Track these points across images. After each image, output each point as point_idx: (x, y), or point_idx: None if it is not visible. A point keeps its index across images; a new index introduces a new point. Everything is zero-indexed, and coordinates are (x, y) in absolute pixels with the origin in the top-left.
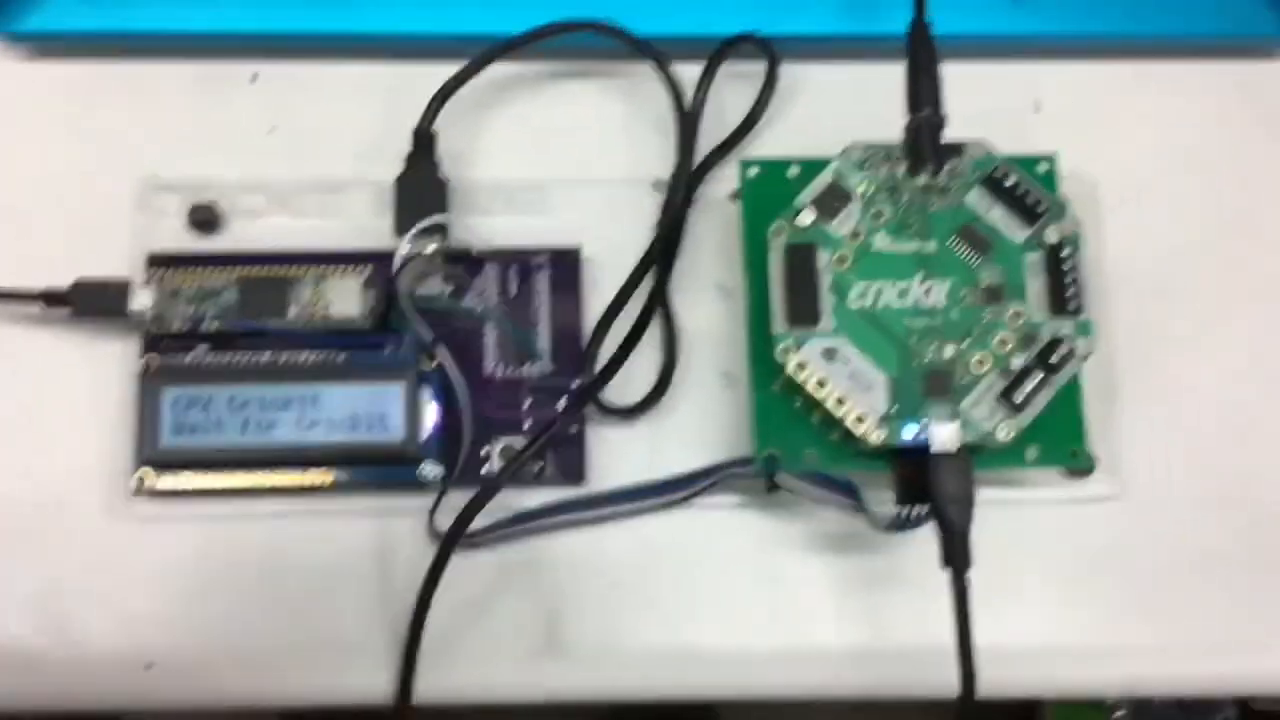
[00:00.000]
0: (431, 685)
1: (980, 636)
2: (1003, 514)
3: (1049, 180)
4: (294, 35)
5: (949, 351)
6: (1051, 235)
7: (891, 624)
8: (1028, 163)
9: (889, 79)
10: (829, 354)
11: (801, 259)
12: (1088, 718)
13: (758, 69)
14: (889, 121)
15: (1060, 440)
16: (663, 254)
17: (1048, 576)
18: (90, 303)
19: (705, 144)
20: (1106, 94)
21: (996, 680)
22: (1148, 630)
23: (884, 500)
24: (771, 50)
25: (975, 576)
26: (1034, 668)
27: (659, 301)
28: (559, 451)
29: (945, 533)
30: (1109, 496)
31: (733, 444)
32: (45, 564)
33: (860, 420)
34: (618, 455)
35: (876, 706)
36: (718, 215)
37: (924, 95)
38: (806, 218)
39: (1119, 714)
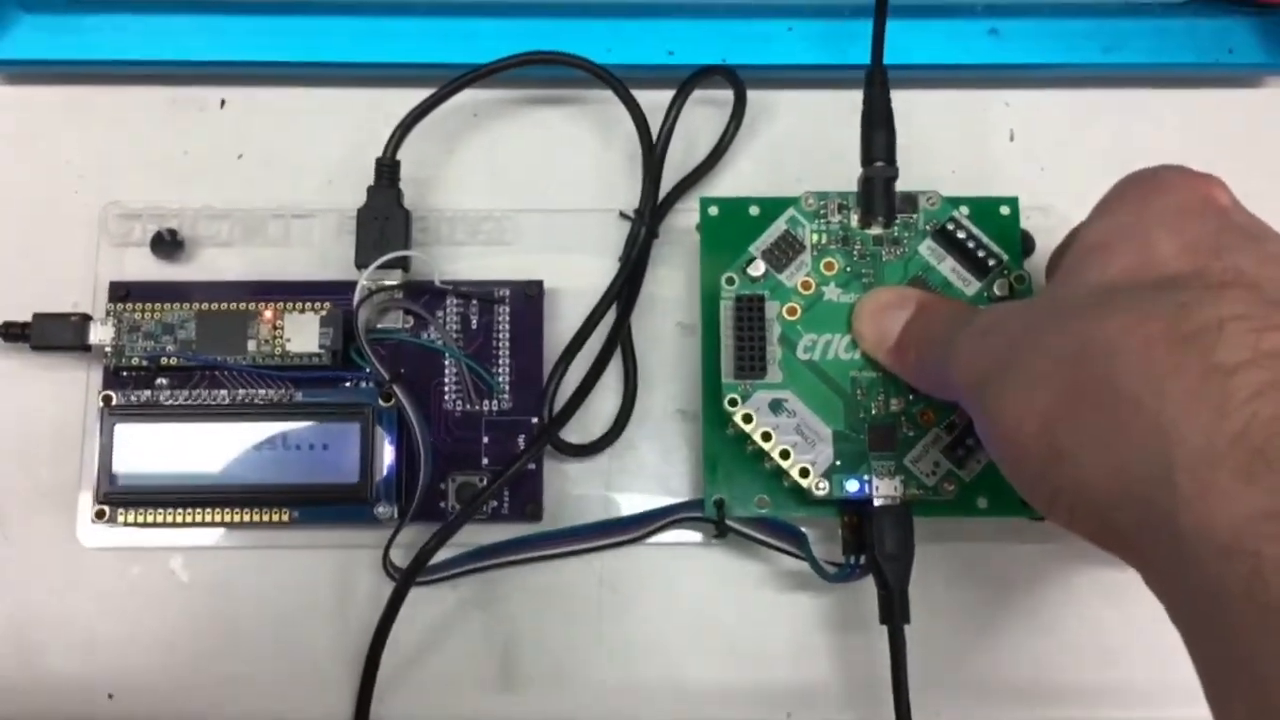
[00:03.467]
0: (389, 717)
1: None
2: None
3: (1011, 222)
4: (262, 63)
5: (894, 405)
6: (1000, 288)
7: (845, 665)
8: (990, 204)
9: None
10: (775, 405)
11: (751, 310)
12: None
13: (730, 97)
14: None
15: (1010, 488)
16: (625, 289)
17: None
18: (49, 336)
19: (675, 173)
20: (1083, 123)
21: None
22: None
23: (835, 547)
24: (739, 82)
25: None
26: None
27: (620, 338)
28: (516, 488)
29: (882, 589)
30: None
31: (690, 480)
32: (11, 593)
33: (805, 473)
34: (575, 492)
35: None
36: (683, 245)
37: (876, 148)
38: (758, 268)
39: None
